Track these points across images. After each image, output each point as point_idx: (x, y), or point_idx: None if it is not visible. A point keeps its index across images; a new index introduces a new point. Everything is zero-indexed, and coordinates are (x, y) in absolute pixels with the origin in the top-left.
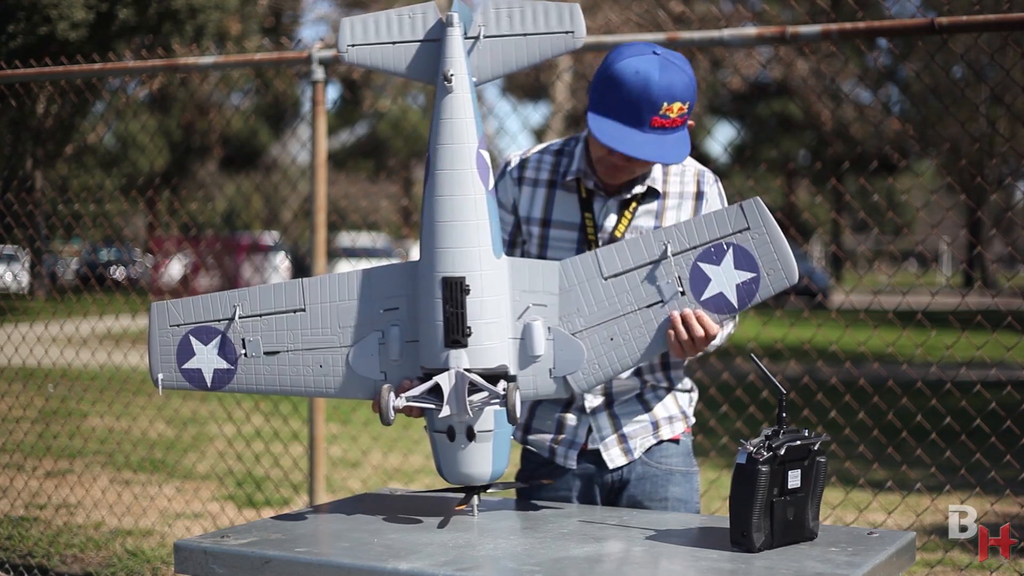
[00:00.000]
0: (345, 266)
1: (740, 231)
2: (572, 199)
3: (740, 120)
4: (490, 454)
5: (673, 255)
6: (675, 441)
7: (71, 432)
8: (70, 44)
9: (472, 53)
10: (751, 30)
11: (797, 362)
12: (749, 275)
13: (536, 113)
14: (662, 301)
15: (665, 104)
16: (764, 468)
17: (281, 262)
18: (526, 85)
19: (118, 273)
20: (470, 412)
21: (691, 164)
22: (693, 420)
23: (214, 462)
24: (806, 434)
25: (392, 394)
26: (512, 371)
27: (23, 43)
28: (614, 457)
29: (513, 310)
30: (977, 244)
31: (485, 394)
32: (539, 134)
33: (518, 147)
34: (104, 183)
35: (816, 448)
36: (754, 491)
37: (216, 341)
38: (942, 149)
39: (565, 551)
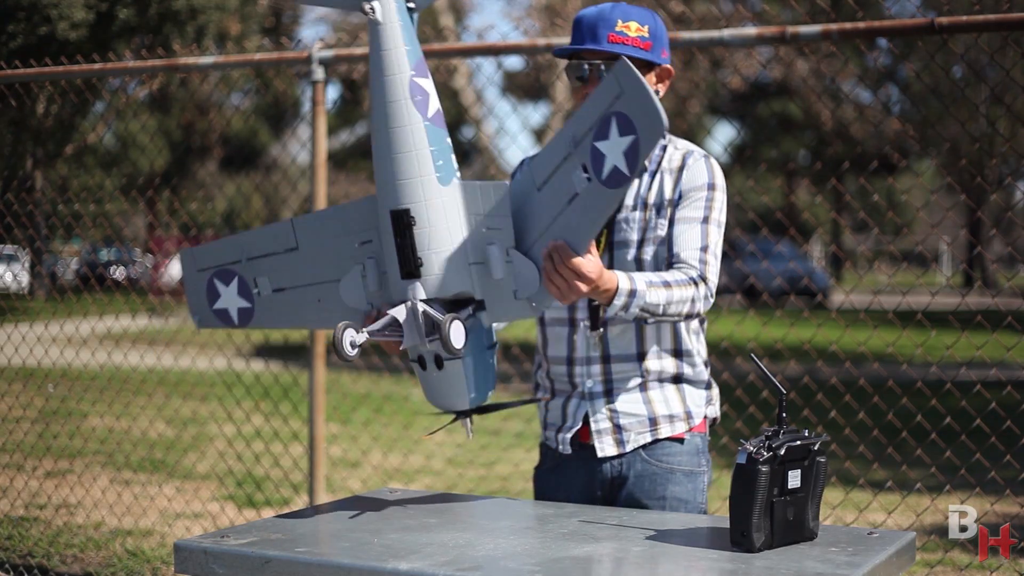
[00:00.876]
0: None
1: (617, 98)
2: None
3: (740, 120)
4: (463, 380)
5: (576, 143)
6: (679, 439)
7: (71, 432)
8: (70, 44)
9: None
10: (751, 30)
11: (797, 362)
12: (631, 138)
13: (536, 113)
14: (576, 194)
15: (620, 21)
16: (764, 468)
17: None
18: (526, 85)
19: (118, 273)
20: (425, 342)
21: (683, 145)
22: (706, 418)
23: (214, 462)
24: (806, 434)
25: (350, 330)
26: (478, 296)
27: (23, 43)
28: (605, 446)
29: (470, 235)
30: (977, 244)
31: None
32: (539, 134)
33: (518, 147)
34: (104, 183)
35: (816, 448)
36: (754, 491)
37: (235, 282)
38: (942, 149)
39: (565, 551)
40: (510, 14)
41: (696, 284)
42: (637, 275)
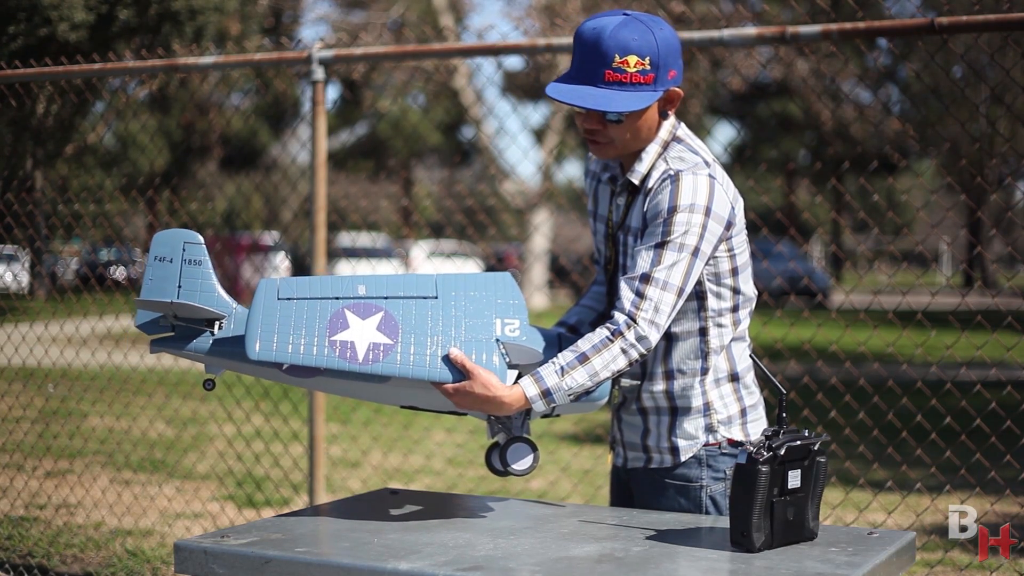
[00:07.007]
0: (345, 266)
1: None
2: (608, 192)
3: (740, 120)
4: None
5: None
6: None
7: (71, 432)
8: (70, 45)
9: None
10: (751, 30)
11: (797, 362)
12: None
13: (536, 113)
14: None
15: (617, 57)
16: (764, 468)
17: (281, 262)
18: (526, 85)
19: (118, 273)
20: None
21: (676, 159)
22: (704, 441)
23: (214, 462)
24: (806, 434)
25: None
26: None
27: (23, 44)
28: (618, 454)
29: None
30: (977, 244)
31: None
32: (539, 134)
33: (518, 147)
34: (104, 183)
35: (816, 448)
36: (754, 491)
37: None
38: (942, 149)
39: (565, 551)
40: (510, 14)
41: (620, 335)
42: (547, 368)
